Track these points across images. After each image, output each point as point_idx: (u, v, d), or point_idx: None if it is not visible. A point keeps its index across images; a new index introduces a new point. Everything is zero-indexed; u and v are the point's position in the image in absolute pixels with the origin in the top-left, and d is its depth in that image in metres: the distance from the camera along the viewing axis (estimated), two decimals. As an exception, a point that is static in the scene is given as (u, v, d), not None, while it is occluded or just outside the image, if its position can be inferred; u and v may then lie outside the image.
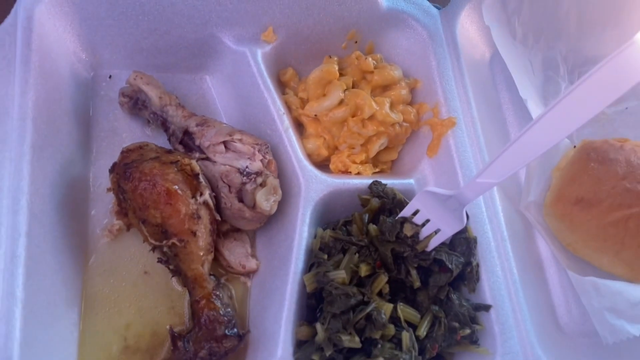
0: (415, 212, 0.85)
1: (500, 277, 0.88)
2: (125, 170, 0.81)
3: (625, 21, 1.07)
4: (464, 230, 0.88)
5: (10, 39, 0.83)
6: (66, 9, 0.89)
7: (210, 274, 0.83)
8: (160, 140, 0.94)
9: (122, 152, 0.84)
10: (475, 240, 0.89)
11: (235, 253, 0.89)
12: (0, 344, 0.68)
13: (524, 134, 0.69)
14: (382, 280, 0.83)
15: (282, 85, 1.03)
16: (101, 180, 0.90)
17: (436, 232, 0.84)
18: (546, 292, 0.96)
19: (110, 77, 0.98)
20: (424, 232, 0.85)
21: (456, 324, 0.83)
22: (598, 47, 1.07)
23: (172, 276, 0.85)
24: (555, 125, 0.67)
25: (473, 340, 0.84)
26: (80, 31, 0.92)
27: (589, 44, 1.07)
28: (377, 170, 1.00)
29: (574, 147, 0.99)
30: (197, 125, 0.89)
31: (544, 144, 0.68)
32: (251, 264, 0.89)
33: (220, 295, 0.83)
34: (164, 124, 0.92)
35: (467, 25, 1.07)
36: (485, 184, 0.74)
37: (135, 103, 0.93)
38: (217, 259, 0.88)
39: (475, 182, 0.75)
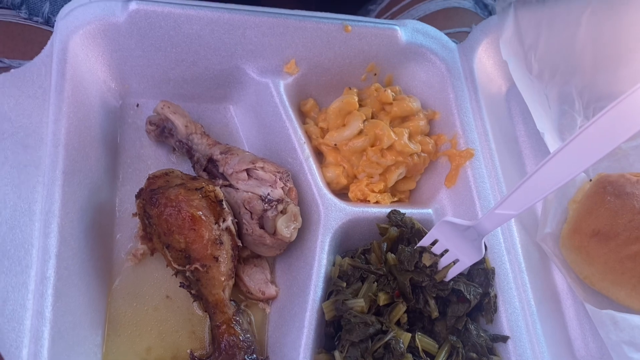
0: (434, 242, 0.86)
1: (517, 308, 0.89)
2: (151, 196, 0.83)
3: (638, 59, 1.09)
4: (482, 261, 0.89)
5: (46, 69, 0.87)
6: (99, 41, 0.93)
7: (230, 300, 0.85)
8: (184, 167, 0.97)
9: (149, 178, 0.86)
10: (493, 271, 0.90)
11: (255, 279, 0.90)
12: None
13: (542, 167, 0.70)
14: (401, 309, 0.84)
15: (303, 116, 1.06)
16: (127, 205, 0.93)
17: (455, 262, 0.85)
18: (563, 325, 0.96)
19: (137, 105, 1.01)
20: (443, 262, 0.86)
21: (474, 355, 0.84)
22: (613, 83, 1.09)
23: (194, 301, 0.87)
24: (572, 159, 0.68)
25: (491, 372, 0.85)
26: (111, 62, 0.96)
27: (604, 81, 1.09)
28: (395, 199, 1.02)
29: (590, 180, 1.00)
30: (221, 153, 0.92)
31: (561, 177, 0.70)
32: (270, 290, 0.90)
33: (240, 320, 0.84)
34: (189, 152, 0.95)
35: (484, 60, 1.09)
36: (504, 215, 0.76)
37: (162, 131, 0.96)
38: (237, 284, 0.90)
39: (494, 213, 0.76)
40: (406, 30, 1.05)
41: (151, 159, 0.98)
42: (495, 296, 0.89)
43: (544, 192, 0.71)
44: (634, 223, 0.89)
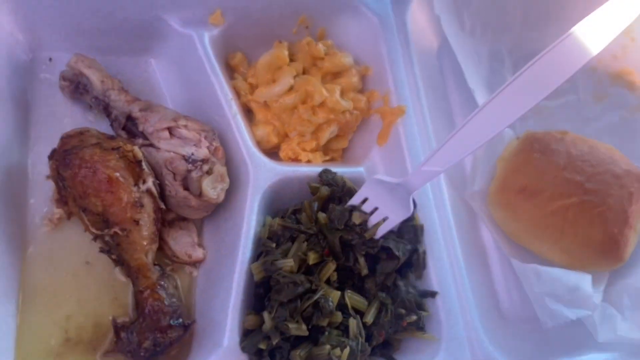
0: (365, 201, 0.85)
1: (446, 264, 0.90)
2: (64, 156, 0.78)
3: (567, 17, 1.08)
4: (412, 218, 0.88)
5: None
6: (1, -13, 0.84)
7: (155, 264, 0.82)
8: (102, 126, 0.91)
9: (62, 138, 0.81)
10: (422, 227, 0.90)
11: (181, 242, 0.87)
12: None
13: (467, 122, 0.70)
14: (330, 268, 0.83)
15: (231, 70, 1.01)
16: (40, 167, 0.87)
17: (384, 219, 0.84)
18: (489, 279, 0.98)
19: (50, 59, 0.93)
20: (372, 220, 0.85)
21: (403, 311, 0.84)
22: (541, 41, 1.07)
23: (115, 266, 0.83)
24: (497, 114, 0.68)
25: (419, 327, 0.86)
26: (18, 10, 0.88)
27: (533, 39, 1.09)
28: (327, 158, 1.00)
29: (517, 138, 1.01)
30: (140, 110, 0.87)
31: (487, 132, 0.69)
32: (197, 253, 0.88)
33: (165, 285, 0.81)
34: (106, 109, 0.89)
35: (417, 14, 1.07)
36: (431, 172, 0.75)
37: (76, 87, 0.90)
38: (163, 248, 0.86)
39: (421, 170, 0.76)
40: (338, -19, 1.01)
41: (66, 118, 0.91)
42: (424, 252, 0.89)
43: (470, 148, 0.71)
44: (558, 180, 0.91)
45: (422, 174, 0.76)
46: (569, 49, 0.61)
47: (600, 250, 0.89)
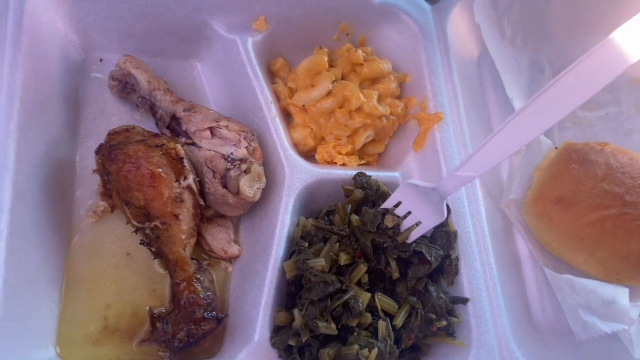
0: (398, 204, 0.86)
1: (479, 271, 0.89)
2: (110, 151, 0.82)
3: (610, 27, 1.07)
4: (445, 224, 0.89)
5: (1, 20, 0.84)
6: (59, -10, 0.89)
7: (192, 258, 0.84)
8: (148, 124, 0.95)
9: (109, 134, 0.84)
10: (455, 233, 0.90)
11: (218, 238, 0.90)
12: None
13: (503, 128, 0.70)
14: (361, 269, 0.84)
15: (272, 75, 1.04)
16: (88, 162, 0.91)
17: (417, 224, 0.85)
18: (522, 289, 0.98)
19: (101, 60, 0.98)
20: (405, 224, 0.86)
21: (433, 316, 0.85)
22: (583, 51, 1.07)
23: (154, 258, 0.86)
24: (533, 120, 0.68)
25: (449, 332, 0.86)
26: (73, 13, 0.93)
27: (575, 48, 1.07)
28: (362, 162, 1.01)
29: (556, 148, 1.00)
30: (184, 110, 0.90)
31: (522, 138, 0.69)
32: (233, 249, 0.90)
33: (201, 278, 0.84)
34: (151, 108, 0.93)
35: (457, 23, 1.08)
36: (465, 177, 0.76)
37: (124, 86, 0.94)
38: (200, 243, 0.89)
39: (455, 174, 0.76)
40: (379, -11, 1.02)
41: (114, 116, 0.96)
42: (457, 259, 0.89)
43: (505, 154, 0.71)
44: (596, 191, 0.90)
45: (456, 178, 0.76)
46: (607, 56, 0.61)
47: (639, 263, 0.87)
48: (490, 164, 0.72)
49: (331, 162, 0.98)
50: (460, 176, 0.76)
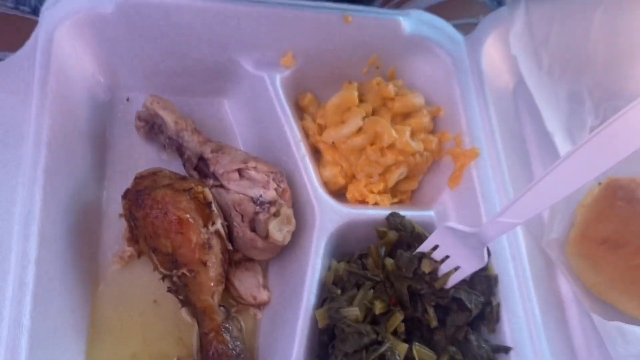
0: (434, 248, 0.82)
1: (521, 318, 0.84)
2: (137, 197, 0.80)
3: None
4: (485, 268, 0.84)
5: (30, 63, 0.83)
6: (86, 32, 0.88)
7: (220, 305, 0.81)
8: (175, 165, 0.93)
9: (136, 178, 0.83)
10: (496, 278, 0.86)
11: (247, 283, 0.87)
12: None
13: (550, 172, 0.65)
14: (398, 318, 0.80)
15: (300, 111, 1.01)
16: (114, 205, 0.89)
17: (456, 269, 0.81)
18: (567, 336, 0.91)
19: (128, 99, 0.97)
20: (443, 269, 0.81)
21: (474, 367, 0.80)
22: (625, 82, 1.03)
23: (182, 306, 0.83)
24: (583, 165, 0.63)
25: (492, 385, 0.81)
26: (99, 53, 0.92)
27: (616, 79, 1.04)
28: (395, 200, 0.97)
29: (599, 184, 0.95)
30: (212, 151, 0.88)
31: (570, 184, 0.65)
32: (262, 295, 0.87)
33: (230, 327, 0.81)
34: (179, 149, 0.91)
35: (492, 54, 1.04)
36: (508, 223, 0.71)
37: (151, 127, 0.92)
38: (228, 289, 0.86)
39: (497, 220, 0.72)
40: (410, 21, 0.99)
41: (141, 157, 0.94)
42: (498, 305, 0.85)
43: (552, 200, 0.67)
44: (646, 231, 0.84)
45: (498, 224, 0.72)
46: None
47: (696, 311, 0.81)
48: (535, 210, 0.68)
49: (363, 201, 0.95)
50: (503, 222, 0.71)
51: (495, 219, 0.72)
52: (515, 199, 0.69)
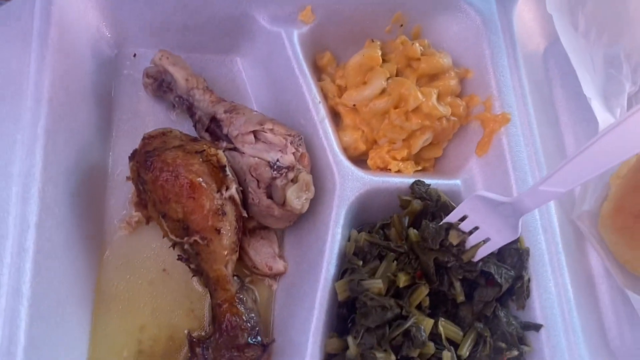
0: (462, 218, 0.77)
1: (553, 294, 0.79)
2: (146, 158, 0.74)
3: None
4: (516, 241, 0.79)
5: (28, 12, 0.77)
6: (90, -21, 0.82)
7: (233, 275, 0.76)
8: (185, 126, 0.87)
9: (144, 139, 0.77)
10: (527, 251, 0.80)
11: (262, 253, 0.82)
12: (3, 347, 0.62)
13: (600, 138, 0.59)
14: (423, 292, 0.75)
15: (318, 71, 0.95)
16: (121, 167, 0.84)
17: (484, 241, 0.75)
18: (598, 312, 0.87)
19: (134, 55, 0.91)
20: (471, 240, 0.76)
21: (503, 345, 0.75)
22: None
23: (193, 276, 0.78)
24: (637, 132, 0.58)
25: (521, 364, 0.76)
26: (105, 5, 0.85)
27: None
28: (419, 168, 0.91)
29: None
30: (225, 112, 0.82)
31: (622, 152, 0.59)
32: (278, 265, 0.82)
33: (244, 299, 0.76)
34: (189, 109, 0.85)
35: (524, 13, 0.97)
36: (550, 192, 0.65)
37: (160, 85, 0.86)
38: (242, 258, 0.81)
39: (538, 189, 0.66)
40: (438, -24, 0.92)
41: (149, 116, 0.88)
42: (529, 280, 0.79)
43: (601, 168, 0.61)
44: (690, 203, 0.79)
45: (539, 194, 0.66)
46: None
47: None
48: (582, 177, 0.62)
49: (385, 169, 0.89)
50: (545, 191, 0.65)
51: (537, 187, 0.66)
52: (560, 165, 0.63)
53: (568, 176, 0.63)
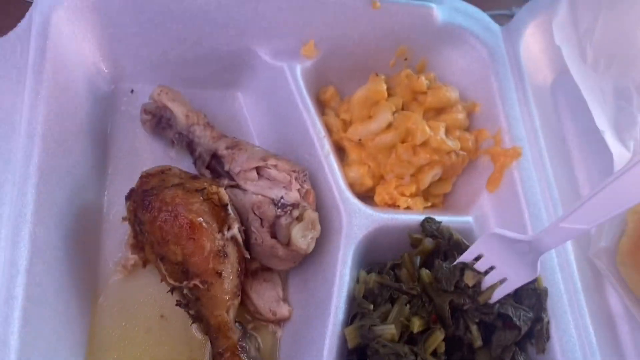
0: (477, 258, 0.73)
1: (573, 336, 0.75)
2: (143, 197, 0.70)
3: None
4: (534, 281, 0.75)
5: (23, 47, 0.74)
6: (87, 15, 0.80)
7: (235, 321, 0.72)
8: (184, 163, 0.84)
9: (142, 177, 0.73)
10: (546, 291, 0.76)
11: (265, 297, 0.77)
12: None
13: (627, 171, 0.56)
14: (438, 337, 0.70)
15: (321, 106, 0.92)
16: (117, 207, 0.80)
17: (502, 281, 0.71)
18: (620, 355, 0.83)
19: (132, 91, 0.88)
20: (487, 281, 0.72)
21: (524, 393, 0.71)
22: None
23: (192, 322, 0.73)
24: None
25: (544, 413, 0.71)
26: (102, 40, 0.83)
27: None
28: (428, 204, 0.88)
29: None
30: (227, 148, 0.79)
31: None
32: (282, 310, 0.77)
33: (247, 347, 0.71)
34: (189, 146, 0.82)
35: (530, 45, 0.95)
36: (572, 229, 0.62)
37: (158, 121, 0.83)
38: (244, 302, 0.77)
39: (559, 226, 0.63)
40: (443, 9, 0.91)
41: (146, 153, 0.85)
42: (549, 322, 0.75)
43: (627, 204, 0.57)
44: None
45: (560, 231, 0.63)
46: None
47: None
48: (607, 214, 0.59)
49: (393, 205, 0.85)
50: (567, 228, 0.62)
51: (558, 224, 0.63)
52: (584, 199, 0.60)
53: (591, 212, 0.59)
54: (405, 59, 0.94)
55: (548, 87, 0.98)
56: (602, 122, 0.88)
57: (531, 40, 0.95)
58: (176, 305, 0.72)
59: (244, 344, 0.71)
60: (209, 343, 0.72)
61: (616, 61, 0.96)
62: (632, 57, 0.97)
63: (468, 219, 0.85)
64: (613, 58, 0.96)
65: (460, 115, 0.89)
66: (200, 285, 0.69)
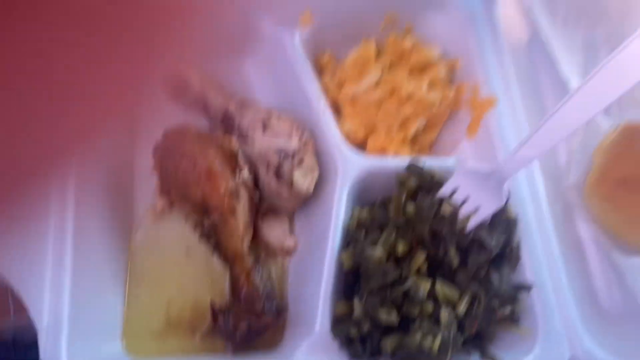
0: (455, 193, 0.84)
1: (541, 257, 0.87)
2: (166, 151, 0.83)
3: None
4: (504, 209, 0.86)
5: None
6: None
7: (250, 251, 0.85)
8: (200, 123, 0.96)
9: (164, 134, 0.87)
10: (515, 219, 0.88)
11: (275, 232, 0.90)
12: (51, 312, 0.72)
13: (561, 106, 0.68)
14: (420, 257, 0.82)
15: (319, 70, 1.04)
16: (145, 162, 0.93)
17: (476, 210, 0.83)
18: (587, 274, 0.93)
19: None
20: (463, 211, 0.84)
21: (496, 303, 0.82)
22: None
23: (213, 253, 0.87)
24: (592, 96, 0.66)
25: (514, 320, 0.83)
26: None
27: (632, 27, 1.03)
28: (415, 151, 0.99)
29: (615, 129, 0.96)
30: (236, 107, 0.91)
31: (582, 116, 0.67)
32: (290, 242, 0.90)
33: (259, 271, 0.84)
34: (204, 108, 0.95)
35: (507, 7, 1.05)
36: (524, 157, 0.73)
37: (176, 88, 0.96)
38: (256, 237, 0.90)
39: (514, 156, 0.74)
40: (425, -24, 1.01)
41: (167, 116, 0.97)
42: (518, 244, 0.87)
43: (565, 132, 0.69)
44: (664, 168, 0.86)
45: (515, 160, 0.74)
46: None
47: None
48: (550, 143, 0.70)
49: (383, 152, 0.97)
50: (520, 157, 0.74)
51: (512, 155, 0.74)
52: (530, 133, 0.71)
53: (537, 143, 0.71)
54: (393, 24, 1.05)
55: (525, 45, 1.08)
56: (567, 72, 0.98)
57: (508, 3, 1.05)
58: (199, 237, 0.86)
59: (257, 269, 0.84)
60: (227, 273, 0.86)
61: (585, 16, 1.06)
62: (599, 11, 1.06)
63: (449, 160, 0.96)
64: (582, 13, 1.05)
65: (442, 71, 0.99)
66: (218, 220, 0.82)
